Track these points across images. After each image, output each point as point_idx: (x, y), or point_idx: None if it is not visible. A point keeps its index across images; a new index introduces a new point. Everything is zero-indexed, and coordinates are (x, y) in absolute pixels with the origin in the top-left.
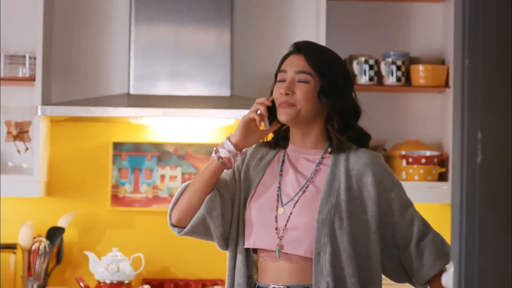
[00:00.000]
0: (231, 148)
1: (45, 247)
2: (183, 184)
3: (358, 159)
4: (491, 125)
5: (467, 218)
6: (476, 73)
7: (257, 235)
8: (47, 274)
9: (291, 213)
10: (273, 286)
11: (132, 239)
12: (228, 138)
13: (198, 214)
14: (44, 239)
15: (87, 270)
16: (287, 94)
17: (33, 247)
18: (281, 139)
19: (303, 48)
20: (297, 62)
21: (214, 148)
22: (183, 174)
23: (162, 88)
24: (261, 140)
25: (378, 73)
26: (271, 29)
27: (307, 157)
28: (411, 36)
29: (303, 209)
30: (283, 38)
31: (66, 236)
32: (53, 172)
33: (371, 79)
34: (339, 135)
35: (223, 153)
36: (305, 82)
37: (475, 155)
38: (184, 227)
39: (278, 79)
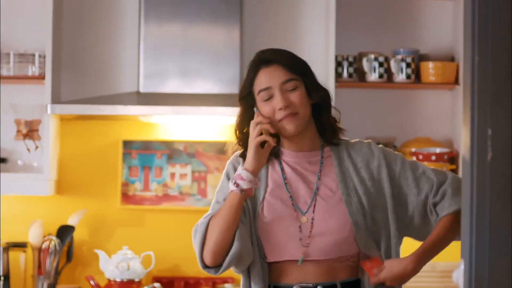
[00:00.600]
0: (251, 177)
1: (55, 246)
2: (200, 223)
3: (358, 151)
4: (501, 122)
5: (477, 215)
6: (486, 70)
7: (281, 248)
8: (57, 272)
9: (313, 219)
10: (299, 285)
11: (142, 237)
12: (244, 169)
13: (234, 250)
14: (54, 238)
15: (97, 269)
16: (286, 107)
17: (43, 246)
18: (272, 149)
19: (274, 58)
20: (276, 73)
21: (233, 182)
22: (193, 172)
23: (172, 86)
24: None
25: (388, 70)
26: (280, 27)
27: (309, 159)
28: (421, 33)
29: (325, 214)
30: (292, 36)
31: (76, 235)
32: (63, 171)
33: (380, 76)
34: (334, 124)
35: (245, 185)
36: (295, 88)
37: (485, 152)
38: (217, 266)
39: (263, 98)
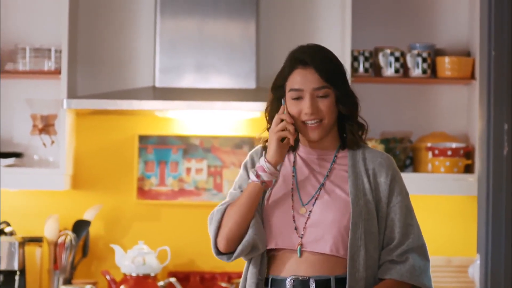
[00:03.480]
0: (273, 169)
1: (71, 240)
2: (216, 211)
3: (373, 159)
4: None
5: (494, 209)
6: (502, 65)
7: (279, 236)
8: (73, 267)
9: (310, 211)
10: (292, 277)
11: (158, 232)
12: (266, 161)
13: (248, 238)
14: (70, 232)
15: (113, 263)
16: (312, 113)
17: (59, 240)
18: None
19: (312, 61)
20: (310, 78)
21: (254, 173)
22: (208, 167)
23: (188, 81)
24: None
25: (404, 65)
26: (296, 21)
27: (323, 157)
28: (437, 27)
29: (324, 207)
30: (308, 30)
31: (92, 229)
32: (78, 165)
33: (396, 71)
34: (355, 133)
35: (266, 177)
36: (326, 96)
37: (502, 146)
38: (230, 252)
39: (292, 97)
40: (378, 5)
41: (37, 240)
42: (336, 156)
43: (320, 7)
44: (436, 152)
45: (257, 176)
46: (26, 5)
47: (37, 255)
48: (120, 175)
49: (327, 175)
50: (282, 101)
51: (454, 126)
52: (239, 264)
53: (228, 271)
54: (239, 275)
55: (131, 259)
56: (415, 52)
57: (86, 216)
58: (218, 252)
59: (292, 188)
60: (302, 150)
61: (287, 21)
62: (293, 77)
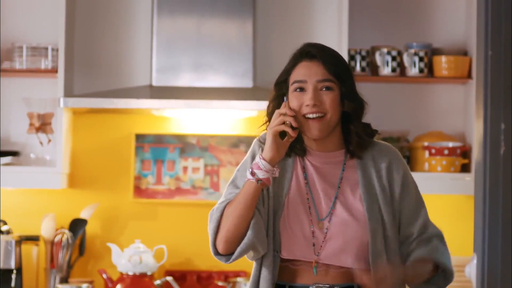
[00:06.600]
0: (268, 167)
1: (67, 239)
2: (216, 209)
3: (382, 156)
4: None
5: (490, 209)
6: (499, 64)
7: (295, 247)
8: (70, 266)
9: (328, 227)
10: (316, 285)
11: (154, 230)
12: (262, 158)
13: (246, 240)
14: (66, 231)
15: (110, 262)
16: (315, 105)
17: (56, 239)
18: (297, 145)
19: (319, 55)
20: (315, 70)
21: (249, 170)
22: (205, 165)
23: (185, 80)
24: None
25: (401, 64)
26: (293, 21)
27: (330, 160)
28: (434, 27)
29: (342, 222)
30: (305, 30)
31: (89, 228)
32: (75, 164)
33: (393, 70)
34: (362, 135)
35: (261, 174)
36: (330, 89)
37: (498, 146)
38: (229, 254)
39: (295, 88)
40: (375, 4)
41: (34, 239)
42: (345, 163)
43: (317, 7)
44: (433, 151)
45: (252, 174)
46: (23, 3)
47: (34, 253)
48: (117, 173)
49: (339, 186)
50: (284, 98)
51: (451, 125)
52: (237, 263)
53: (225, 270)
54: (236, 274)
55: (128, 257)
56: (412, 51)
57: (82, 215)
58: (217, 253)
59: (307, 199)
60: (310, 153)
61: (284, 20)
62: (297, 69)
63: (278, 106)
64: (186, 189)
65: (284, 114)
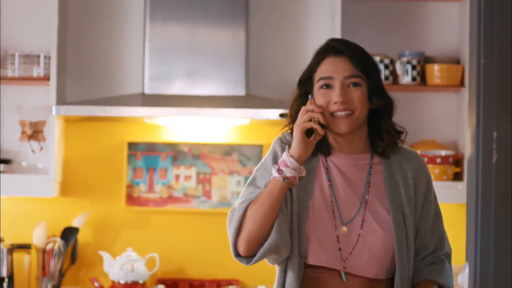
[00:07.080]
0: (296, 164)
1: (59, 247)
2: (237, 209)
3: (410, 164)
4: (506, 124)
5: (483, 217)
6: (491, 73)
7: (321, 252)
8: (62, 274)
9: (359, 235)
10: None
11: (146, 239)
12: (289, 155)
13: (270, 241)
14: (58, 239)
15: (102, 270)
16: (343, 102)
17: (48, 247)
18: (322, 144)
19: (345, 50)
20: (342, 66)
21: (276, 168)
22: (198, 174)
23: (177, 88)
24: None
25: (393, 73)
26: (286, 29)
27: (356, 163)
28: (427, 35)
29: (372, 231)
30: (298, 38)
31: (81, 236)
32: (67, 172)
33: (386, 78)
34: (393, 133)
35: (289, 172)
36: (358, 85)
37: (491, 154)
38: (251, 256)
39: (321, 85)
40: (367, 13)
41: (26, 247)
42: (371, 167)
43: (309, 15)
44: (426, 159)
45: (279, 171)
46: (16, 11)
47: (26, 262)
48: (109, 181)
49: (367, 189)
50: (309, 96)
51: (443, 133)
52: (228, 272)
53: (218, 278)
54: (228, 282)
55: (120, 266)
56: (405, 59)
57: (74, 223)
58: (237, 254)
59: (331, 202)
60: (334, 155)
61: (276, 28)
62: (323, 66)
63: (302, 104)
64: (178, 197)
65: (311, 111)
